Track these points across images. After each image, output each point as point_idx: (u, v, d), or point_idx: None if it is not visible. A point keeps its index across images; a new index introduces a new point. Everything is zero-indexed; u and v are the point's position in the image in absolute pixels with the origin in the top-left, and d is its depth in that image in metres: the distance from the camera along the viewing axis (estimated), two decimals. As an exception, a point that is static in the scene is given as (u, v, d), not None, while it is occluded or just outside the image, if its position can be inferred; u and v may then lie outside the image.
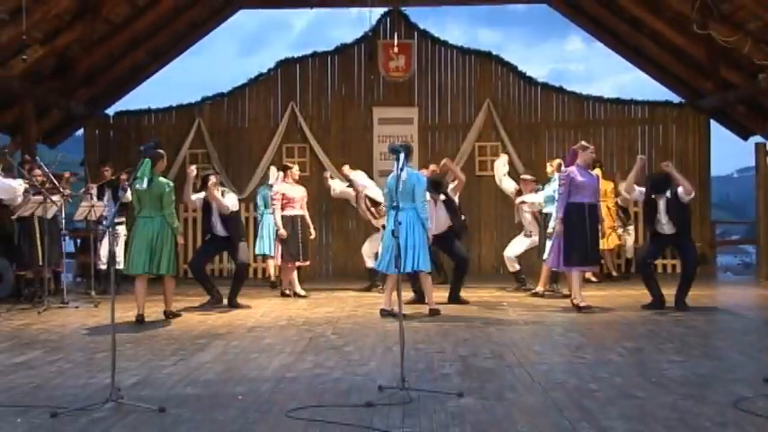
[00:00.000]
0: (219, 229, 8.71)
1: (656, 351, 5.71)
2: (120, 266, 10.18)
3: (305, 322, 7.42)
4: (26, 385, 4.79)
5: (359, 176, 10.06)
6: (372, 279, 10.37)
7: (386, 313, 7.77)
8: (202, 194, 8.75)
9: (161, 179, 7.74)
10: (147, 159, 7.50)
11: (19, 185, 9.14)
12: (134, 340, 6.44)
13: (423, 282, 8.06)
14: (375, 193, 9.88)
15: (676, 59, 12.89)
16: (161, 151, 7.89)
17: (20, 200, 9.23)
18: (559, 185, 8.19)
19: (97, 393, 4.46)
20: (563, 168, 8.36)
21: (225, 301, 8.70)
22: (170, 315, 7.84)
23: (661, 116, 13.67)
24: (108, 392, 4.24)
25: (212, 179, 8.65)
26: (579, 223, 8.03)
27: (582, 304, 8.01)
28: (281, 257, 9.62)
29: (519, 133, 13.66)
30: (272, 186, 10.77)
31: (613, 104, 13.79)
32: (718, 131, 14.00)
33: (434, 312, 7.79)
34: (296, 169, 9.98)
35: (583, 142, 8.55)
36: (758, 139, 12.36)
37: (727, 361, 5.33)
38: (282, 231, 9.46)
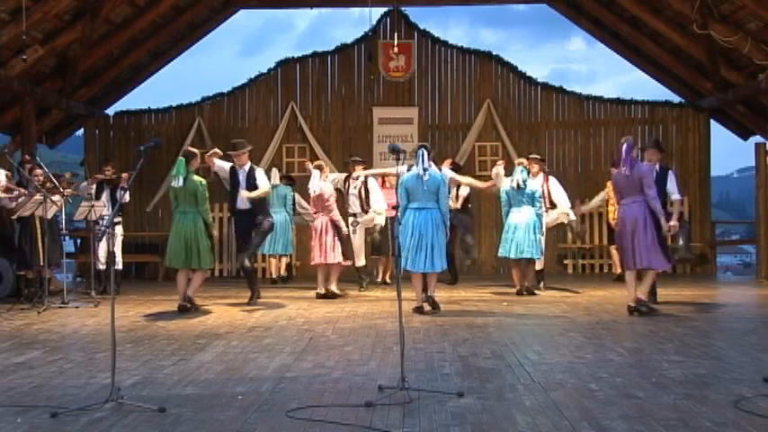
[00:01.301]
0: (245, 203, 8.59)
1: (656, 351, 5.71)
2: (120, 266, 10.24)
3: (305, 322, 7.42)
4: (26, 385, 4.78)
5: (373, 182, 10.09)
6: (361, 276, 10.40)
7: (418, 310, 7.92)
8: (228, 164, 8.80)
9: (195, 177, 8.14)
10: (182, 158, 8.14)
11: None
12: (134, 340, 6.43)
13: (429, 276, 8.05)
14: (378, 197, 9.96)
15: (676, 59, 12.91)
16: (195, 150, 8.41)
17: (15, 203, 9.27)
18: (652, 184, 7.75)
19: (97, 393, 4.46)
20: (630, 166, 7.76)
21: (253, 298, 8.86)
22: (182, 308, 8.11)
23: (661, 116, 13.68)
24: (108, 392, 4.24)
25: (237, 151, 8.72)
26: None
27: (653, 305, 7.80)
28: (343, 257, 9.52)
29: (519, 133, 13.68)
30: (275, 187, 10.88)
31: (613, 104, 13.81)
32: (718, 131, 14.03)
33: (435, 306, 7.96)
34: (328, 169, 10.01)
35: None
36: (758, 139, 12.38)
37: (727, 361, 5.33)
38: (346, 230, 9.56)
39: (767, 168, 11.29)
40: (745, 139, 13.66)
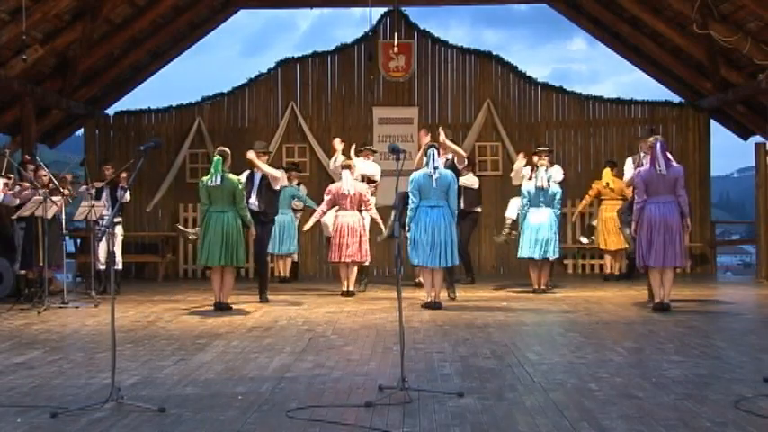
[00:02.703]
0: (254, 203, 8.80)
1: (656, 351, 5.71)
2: (120, 266, 10.22)
3: (305, 322, 7.42)
4: (26, 385, 4.78)
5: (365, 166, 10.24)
6: (364, 275, 10.44)
7: (430, 305, 8.13)
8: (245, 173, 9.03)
9: (231, 176, 8.27)
10: (219, 157, 8.25)
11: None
12: (134, 340, 6.44)
13: (436, 275, 8.27)
14: (373, 170, 10.17)
15: (676, 59, 12.90)
16: (227, 150, 8.47)
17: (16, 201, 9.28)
18: (685, 185, 7.99)
19: (97, 393, 4.46)
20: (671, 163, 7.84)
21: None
22: (226, 307, 8.29)
23: (661, 116, 13.68)
24: (108, 392, 4.24)
25: (254, 151, 9.02)
26: None
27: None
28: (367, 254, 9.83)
29: (519, 133, 13.67)
30: (282, 189, 11.06)
31: (613, 104, 13.81)
32: (718, 131, 14.00)
33: (437, 306, 8.13)
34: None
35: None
36: (758, 139, 12.37)
37: (727, 361, 5.33)
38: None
39: (767, 168, 11.30)
40: (745, 139, 13.66)
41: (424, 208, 8.12)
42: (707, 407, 4.05)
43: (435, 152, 8.17)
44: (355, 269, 9.83)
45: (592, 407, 4.07)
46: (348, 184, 9.63)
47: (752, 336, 6.60)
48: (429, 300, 8.25)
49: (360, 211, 9.72)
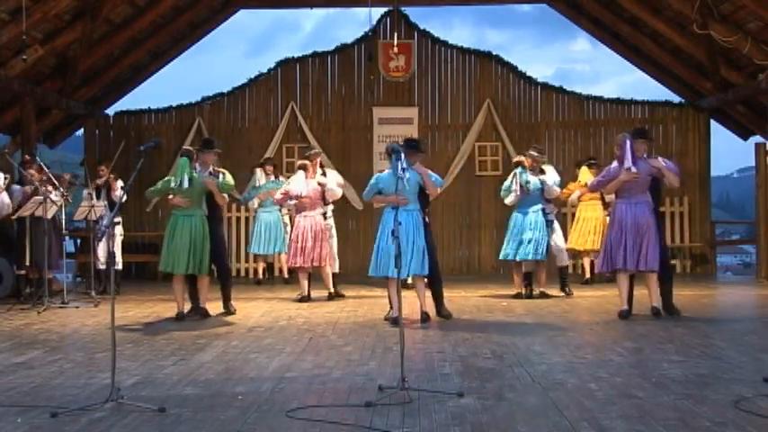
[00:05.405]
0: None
1: (656, 351, 5.71)
2: (120, 266, 10.22)
3: (305, 322, 7.42)
4: (26, 385, 4.79)
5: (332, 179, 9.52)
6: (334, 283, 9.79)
7: (391, 320, 7.29)
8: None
9: (198, 176, 7.84)
10: (185, 158, 7.78)
11: (8, 202, 9.22)
12: (134, 340, 6.44)
13: (416, 284, 7.56)
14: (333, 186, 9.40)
15: (676, 59, 12.90)
16: (191, 148, 8.12)
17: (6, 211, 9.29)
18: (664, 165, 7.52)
19: (97, 393, 4.46)
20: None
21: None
22: (204, 313, 7.82)
23: (661, 116, 13.68)
24: (108, 392, 4.24)
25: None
26: None
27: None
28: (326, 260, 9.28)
29: (519, 133, 13.67)
30: (259, 188, 10.93)
31: (613, 104, 13.81)
32: (718, 131, 14.00)
33: (425, 318, 7.40)
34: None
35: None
36: (758, 139, 12.38)
37: (727, 361, 5.33)
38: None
39: (767, 168, 11.29)
40: (745, 139, 13.66)
41: (390, 212, 7.36)
42: (707, 407, 4.05)
43: (402, 154, 6.89)
44: (330, 272, 9.38)
45: (592, 407, 4.08)
46: (299, 186, 9.15)
47: (752, 336, 6.59)
48: (395, 315, 7.12)
49: (324, 214, 9.31)
